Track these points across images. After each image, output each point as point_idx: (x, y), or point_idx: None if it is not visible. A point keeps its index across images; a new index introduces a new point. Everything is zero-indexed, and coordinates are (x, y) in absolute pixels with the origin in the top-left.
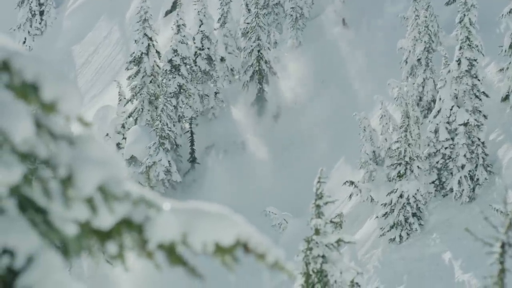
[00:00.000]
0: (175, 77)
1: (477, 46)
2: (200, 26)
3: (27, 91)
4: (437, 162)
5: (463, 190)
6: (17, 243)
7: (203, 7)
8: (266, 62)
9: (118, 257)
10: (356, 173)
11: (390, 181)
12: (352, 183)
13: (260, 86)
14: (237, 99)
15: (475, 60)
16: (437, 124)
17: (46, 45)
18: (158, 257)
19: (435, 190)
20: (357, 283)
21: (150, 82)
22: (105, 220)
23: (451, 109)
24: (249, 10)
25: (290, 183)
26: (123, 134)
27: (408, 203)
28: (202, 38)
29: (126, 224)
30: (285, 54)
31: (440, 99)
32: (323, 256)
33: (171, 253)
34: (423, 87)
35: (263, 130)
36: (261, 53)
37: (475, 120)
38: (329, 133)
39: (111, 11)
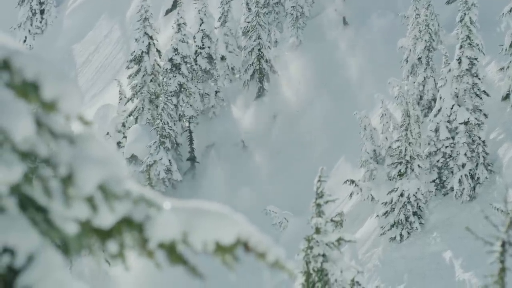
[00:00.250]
0: (175, 76)
1: (477, 45)
2: (200, 25)
3: (28, 90)
4: (437, 161)
5: (463, 189)
6: (17, 241)
7: (204, 6)
8: (266, 61)
9: (119, 256)
10: (357, 172)
11: (390, 180)
12: (352, 182)
13: (261, 85)
14: (237, 98)
15: (476, 59)
16: (437, 123)
17: (47, 44)
18: (158, 256)
19: (436, 189)
20: (357, 282)
21: (151, 81)
22: (106, 219)
23: (451, 108)
24: (249, 9)
25: (290, 182)
26: (124, 133)
27: (409, 202)
28: (202, 37)
29: (126, 223)
30: (286, 53)
31: (440, 98)
32: (323, 255)
33: (172, 252)
34: (423, 86)
35: (264, 128)
36: (261, 52)
37: (476, 119)
38: (330, 131)
39: (111, 10)
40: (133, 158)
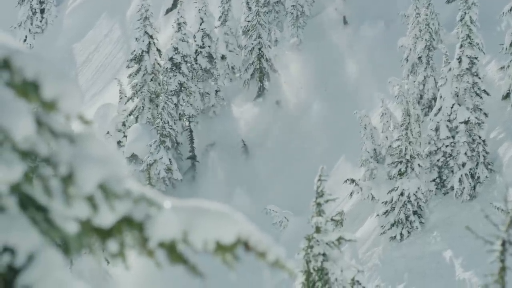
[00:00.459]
0: (175, 75)
1: (478, 44)
2: (200, 24)
3: (28, 89)
4: (438, 160)
5: (463, 188)
6: (17, 241)
7: (204, 5)
8: (267, 60)
9: (119, 255)
10: (357, 171)
11: (391, 179)
12: (353, 181)
13: (261, 84)
14: (237, 97)
15: (476, 58)
16: (437, 122)
17: (47, 43)
18: (158, 255)
19: (436, 188)
20: (357, 281)
21: (151, 80)
22: (106, 218)
23: (451, 107)
24: (249, 8)
25: (290, 181)
26: (124, 132)
27: (409, 201)
28: (202, 36)
29: (126, 222)
30: (286, 52)
31: (440, 97)
32: (323, 254)
33: (172, 251)
34: (423, 85)
35: (264, 128)
36: (261, 51)
37: (476, 118)
38: (330, 131)
39: (111, 9)
40: (133, 157)
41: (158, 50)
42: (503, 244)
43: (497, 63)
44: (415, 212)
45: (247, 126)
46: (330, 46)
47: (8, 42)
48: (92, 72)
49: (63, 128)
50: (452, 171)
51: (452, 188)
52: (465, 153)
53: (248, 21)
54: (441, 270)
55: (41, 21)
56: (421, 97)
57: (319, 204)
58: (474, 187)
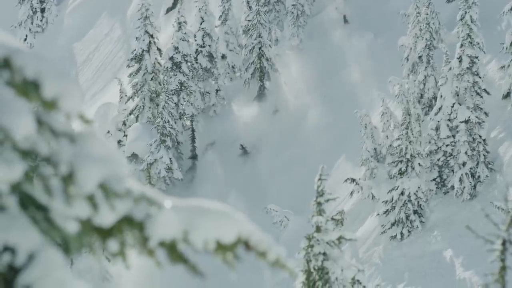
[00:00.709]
0: (176, 75)
1: (478, 43)
2: (201, 24)
3: (28, 88)
4: (438, 160)
5: (464, 187)
6: (18, 240)
7: (204, 4)
8: (267, 59)
9: (119, 254)
10: (357, 171)
11: (391, 178)
12: (353, 180)
13: (261, 84)
14: (238, 97)
15: (476, 57)
16: (438, 121)
17: (47, 42)
18: (159, 254)
19: (436, 188)
20: (358, 281)
21: (151, 79)
22: (106, 217)
23: (452, 107)
24: (250, 7)
25: (291, 180)
26: (124, 132)
27: (409, 201)
28: (203, 35)
29: (127, 221)
30: (286, 52)
31: (441, 96)
32: (324, 254)
33: (172, 250)
34: (424, 84)
35: (264, 127)
36: (262, 51)
37: (476, 117)
38: (330, 130)
39: (112, 9)
40: (133, 157)
41: (159, 49)
42: (504, 243)
43: (497, 63)
44: (415, 212)
45: (247, 126)
46: (330, 46)
47: (8, 42)
48: (93, 71)
49: (64, 127)
50: (453, 171)
51: (453, 187)
52: (466, 153)
53: (249, 21)
54: (442, 270)
55: (41, 20)
56: (422, 96)
57: (319, 204)
58: (475, 186)
